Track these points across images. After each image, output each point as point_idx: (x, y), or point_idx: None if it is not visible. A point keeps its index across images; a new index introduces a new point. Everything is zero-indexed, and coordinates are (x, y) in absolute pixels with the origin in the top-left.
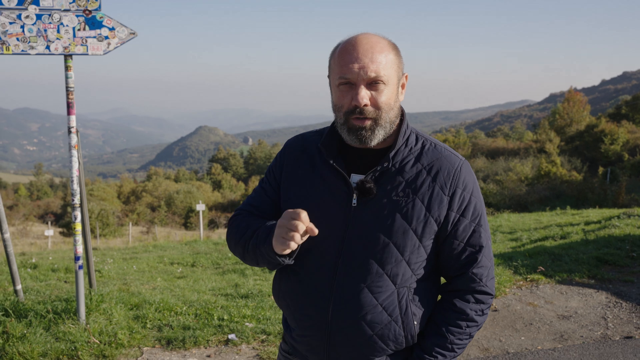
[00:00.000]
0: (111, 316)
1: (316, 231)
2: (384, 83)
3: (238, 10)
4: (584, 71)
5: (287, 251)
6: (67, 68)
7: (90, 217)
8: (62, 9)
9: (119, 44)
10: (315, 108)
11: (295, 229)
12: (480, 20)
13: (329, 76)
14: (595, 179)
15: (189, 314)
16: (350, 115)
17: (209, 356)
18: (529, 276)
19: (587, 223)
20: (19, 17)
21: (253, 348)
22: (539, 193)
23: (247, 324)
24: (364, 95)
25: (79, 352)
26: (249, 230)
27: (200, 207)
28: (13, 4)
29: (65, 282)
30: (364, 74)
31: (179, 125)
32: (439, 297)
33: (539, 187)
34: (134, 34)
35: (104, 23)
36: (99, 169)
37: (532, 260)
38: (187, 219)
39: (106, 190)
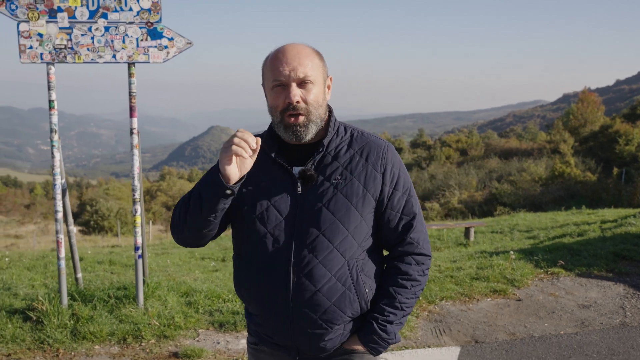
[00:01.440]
0: (166, 302)
1: (253, 142)
2: (312, 83)
3: (252, 10)
4: (598, 71)
5: (234, 168)
6: (130, 75)
7: (109, 216)
8: (127, 22)
9: (176, 53)
10: None
11: (240, 136)
12: (492, 20)
13: (263, 84)
14: (610, 180)
15: (236, 301)
16: (284, 113)
17: None
18: (549, 269)
19: (603, 222)
20: (89, 29)
21: None
22: (553, 193)
23: None
24: (296, 93)
25: (142, 332)
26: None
27: None
28: (85, 18)
29: (112, 273)
30: (294, 75)
31: (191, 125)
32: (385, 266)
33: (553, 188)
34: (190, 43)
35: (164, 34)
36: (112, 169)
37: (551, 255)
38: None
39: (122, 189)
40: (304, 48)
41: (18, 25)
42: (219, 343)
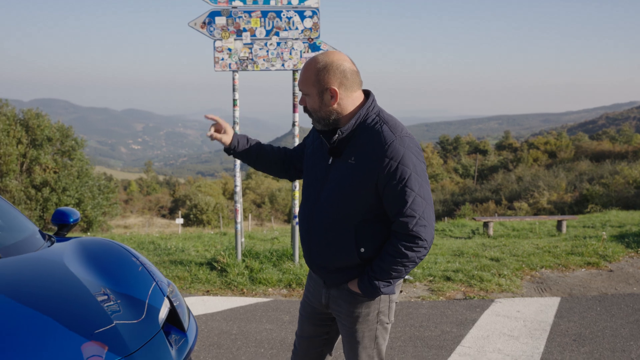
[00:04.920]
0: None
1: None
2: (307, 95)
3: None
4: None
5: (222, 139)
6: (294, 79)
7: (207, 210)
8: (294, 38)
9: None
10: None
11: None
12: (585, 18)
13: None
14: None
15: None
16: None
17: None
18: (639, 249)
19: None
20: (265, 44)
21: (424, 285)
22: None
23: (415, 270)
24: (301, 100)
25: (303, 280)
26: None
27: None
28: (262, 36)
29: (253, 245)
30: (300, 87)
31: (275, 125)
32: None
33: None
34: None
35: (321, 47)
36: (198, 168)
37: None
38: (290, 216)
39: (212, 187)
40: (307, 65)
41: (214, 42)
42: None
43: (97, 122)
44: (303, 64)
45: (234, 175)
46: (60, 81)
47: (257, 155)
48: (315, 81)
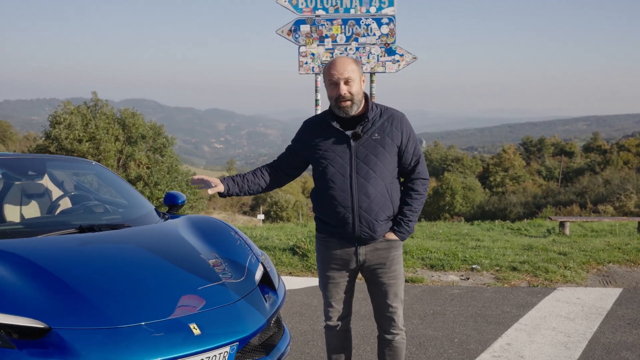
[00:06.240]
0: None
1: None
2: (353, 80)
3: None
4: None
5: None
6: (371, 81)
7: (287, 207)
8: (371, 43)
9: (405, 65)
10: (492, 109)
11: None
12: None
13: (324, 81)
14: None
15: (439, 252)
16: (338, 100)
17: (462, 275)
18: None
19: None
20: (345, 49)
21: (491, 273)
22: None
23: (483, 260)
24: (343, 88)
25: None
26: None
27: None
28: (342, 41)
29: None
30: (341, 77)
31: None
32: (402, 187)
33: None
34: (415, 58)
35: (397, 51)
36: None
37: None
38: None
39: (292, 185)
40: (347, 59)
41: (299, 48)
42: (432, 276)
43: (182, 121)
44: (337, 59)
45: None
46: (148, 82)
47: (249, 187)
48: (357, 70)
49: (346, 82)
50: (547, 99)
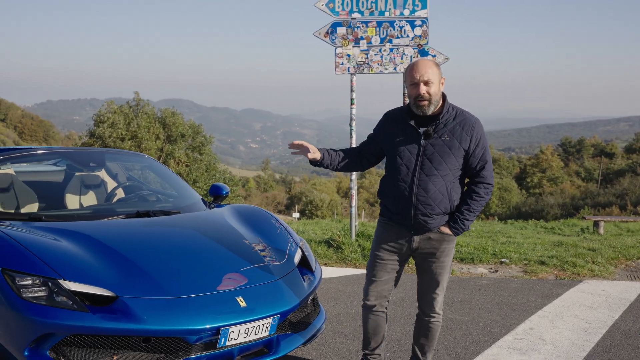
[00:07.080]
0: None
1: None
2: (432, 82)
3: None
4: None
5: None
6: (404, 81)
7: (322, 206)
8: (405, 45)
9: None
10: (531, 109)
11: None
12: None
13: (405, 81)
14: None
15: (470, 247)
16: (417, 99)
17: (491, 268)
18: None
19: None
20: (379, 50)
21: (519, 267)
22: None
23: (512, 254)
24: (423, 89)
25: None
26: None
27: None
28: (377, 43)
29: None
30: (422, 79)
31: None
32: (465, 188)
33: None
34: (447, 58)
35: (429, 52)
36: (312, 167)
37: None
38: None
39: (327, 184)
40: (428, 62)
41: (335, 49)
42: (462, 269)
43: (219, 121)
44: (419, 62)
45: None
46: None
47: (339, 163)
48: (437, 73)
49: (426, 84)
50: (588, 99)
